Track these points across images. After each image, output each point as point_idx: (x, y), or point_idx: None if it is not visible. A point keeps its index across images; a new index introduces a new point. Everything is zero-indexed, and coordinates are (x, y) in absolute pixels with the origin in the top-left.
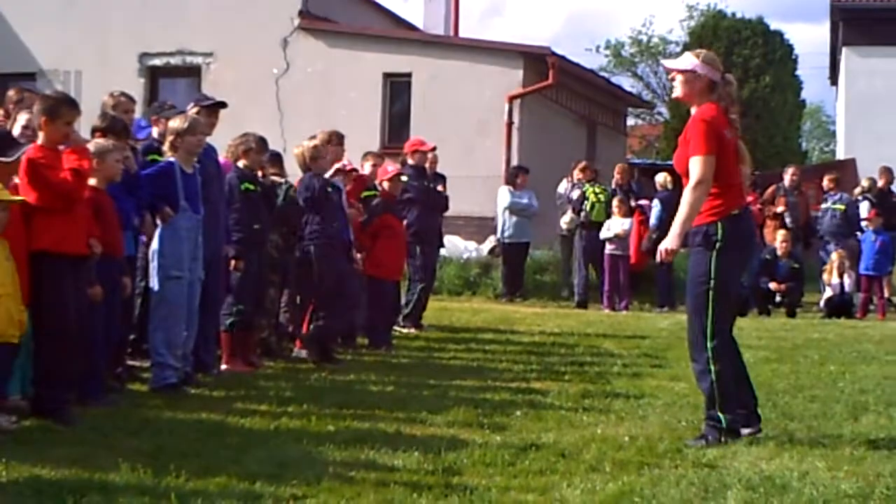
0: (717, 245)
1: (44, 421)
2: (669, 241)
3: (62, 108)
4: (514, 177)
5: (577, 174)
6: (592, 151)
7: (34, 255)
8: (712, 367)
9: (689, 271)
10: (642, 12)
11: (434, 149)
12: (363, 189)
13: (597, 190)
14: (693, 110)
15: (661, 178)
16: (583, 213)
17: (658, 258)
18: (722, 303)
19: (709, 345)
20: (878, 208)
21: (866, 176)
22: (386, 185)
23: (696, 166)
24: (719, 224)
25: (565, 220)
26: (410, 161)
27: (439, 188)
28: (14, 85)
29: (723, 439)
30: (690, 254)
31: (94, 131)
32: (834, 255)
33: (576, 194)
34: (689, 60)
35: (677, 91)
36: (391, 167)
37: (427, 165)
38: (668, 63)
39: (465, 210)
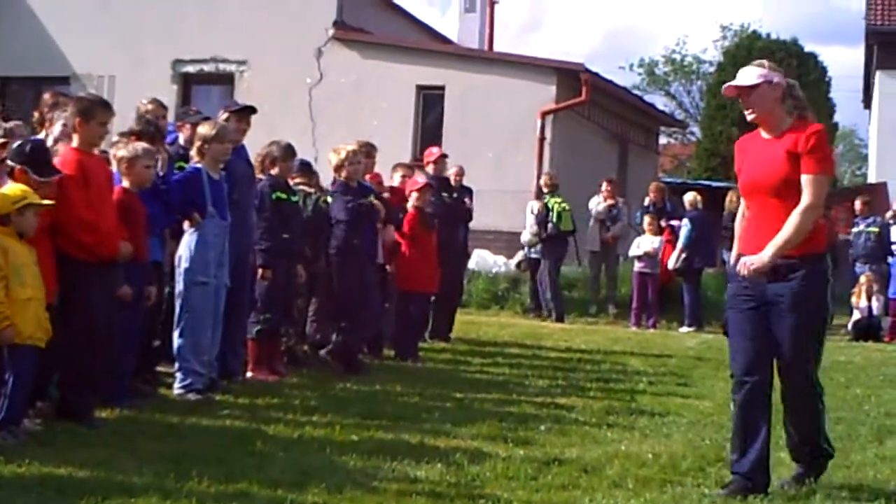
0: (830, 279)
1: (68, 423)
2: (762, 259)
3: (96, 109)
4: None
5: (543, 185)
6: (624, 169)
7: (63, 258)
8: (821, 405)
9: (799, 306)
10: (678, 31)
11: (444, 157)
12: (402, 201)
13: (559, 200)
14: (766, 132)
15: (691, 196)
16: (550, 225)
17: (742, 272)
18: (824, 337)
19: (818, 376)
20: None
21: None
22: (414, 195)
23: (814, 186)
24: (827, 256)
25: (525, 237)
26: (430, 172)
27: (465, 200)
28: (49, 88)
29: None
30: (799, 280)
31: (129, 135)
32: (862, 278)
33: (536, 207)
34: (757, 72)
35: (755, 112)
36: (420, 179)
37: (452, 177)
38: (737, 83)
39: (494, 224)
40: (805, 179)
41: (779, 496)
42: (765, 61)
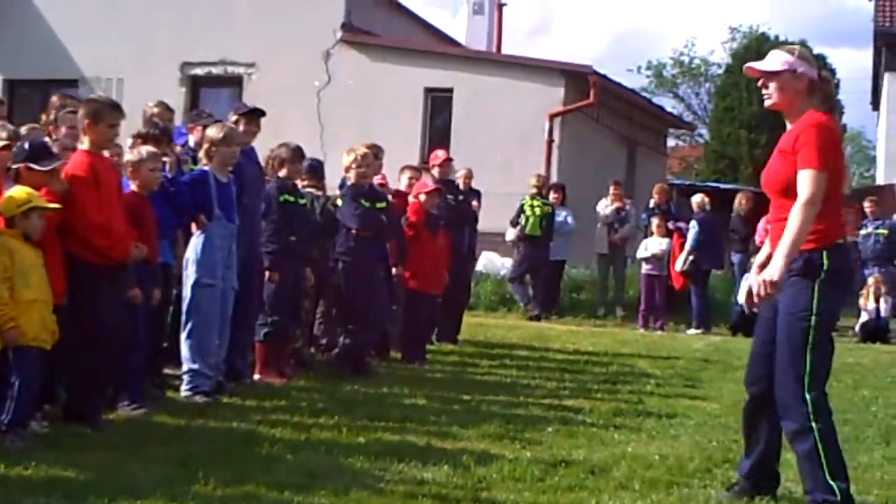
0: (821, 276)
1: (75, 426)
2: (774, 271)
3: (105, 111)
4: (547, 194)
5: (531, 187)
6: (632, 171)
7: (72, 261)
8: (813, 425)
9: (783, 307)
10: (686, 33)
11: (449, 160)
12: (406, 205)
13: (534, 203)
14: (788, 123)
15: (698, 199)
16: (519, 227)
17: (756, 293)
18: (823, 345)
19: (808, 396)
20: None
21: None
22: (422, 197)
23: (807, 181)
24: (824, 252)
25: (509, 235)
26: (436, 175)
27: (472, 203)
28: (57, 91)
29: None
30: (784, 285)
31: (135, 138)
32: (870, 280)
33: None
34: (783, 59)
35: (772, 98)
36: (428, 181)
37: (461, 180)
38: (759, 65)
39: (502, 226)
40: (798, 176)
41: (785, 498)
42: (796, 48)
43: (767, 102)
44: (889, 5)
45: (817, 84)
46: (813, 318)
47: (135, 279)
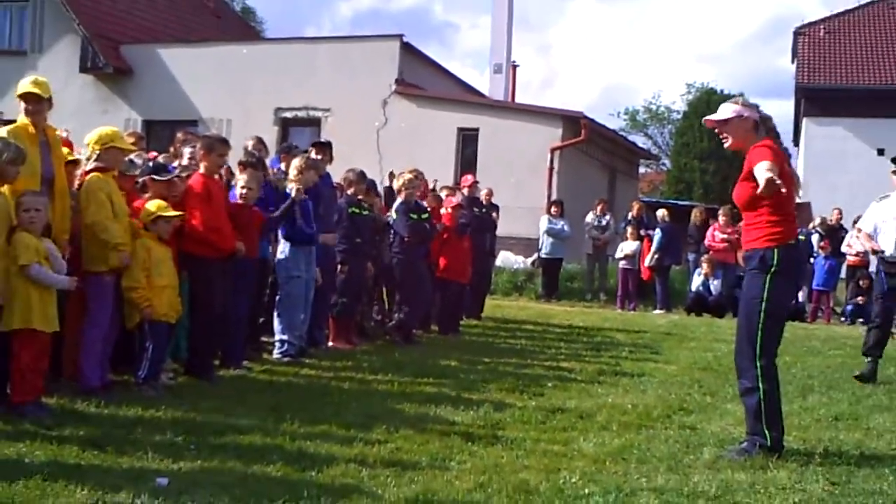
0: (772, 270)
1: (194, 380)
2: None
3: (216, 144)
4: (549, 208)
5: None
6: (612, 191)
7: (191, 256)
8: (761, 385)
9: (744, 293)
10: (654, 87)
11: (476, 182)
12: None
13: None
14: (746, 156)
15: (661, 213)
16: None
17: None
18: (773, 324)
19: (758, 363)
20: (828, 239)
21: (819, 215)
22: (449, 210)
23: (761, 168)
24: (776, 251)
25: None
26: (465, 193)
27: (493, 214)
28: (181, 129)
29: (765, 455)
30: (746, 276)
31: (238, 165)
32: None
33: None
34: (731, 108)
35: (728, 140)
36: (454, 199)
37: (483, 196)
38: (713, 117)
39: (516, 232)
40: (754, 169)
41: (726, 436)
42: (740, 98)
43: (726, 144)
44: (806, 66)
45: (760, 122)
46: (764, 303)
47: (241, 270)
